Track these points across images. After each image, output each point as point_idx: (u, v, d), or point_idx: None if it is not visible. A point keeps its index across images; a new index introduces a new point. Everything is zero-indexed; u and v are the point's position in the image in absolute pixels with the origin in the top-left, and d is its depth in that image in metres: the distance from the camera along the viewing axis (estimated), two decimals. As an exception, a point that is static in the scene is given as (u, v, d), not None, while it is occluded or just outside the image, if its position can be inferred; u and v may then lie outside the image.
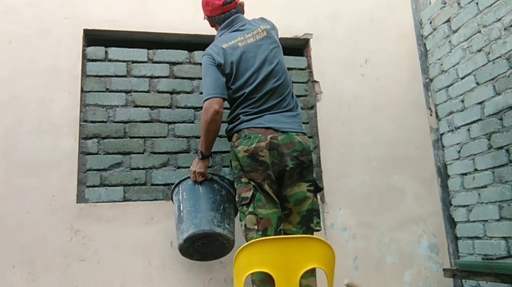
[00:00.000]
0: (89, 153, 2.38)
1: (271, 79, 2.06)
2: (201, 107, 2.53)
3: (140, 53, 2.55)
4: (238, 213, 2.05)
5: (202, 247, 2.09)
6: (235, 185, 2.06)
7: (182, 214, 2.09)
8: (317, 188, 2.08)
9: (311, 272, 1.88)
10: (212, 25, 2.26)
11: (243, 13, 2.26)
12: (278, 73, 2.09)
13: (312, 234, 1.97)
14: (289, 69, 2.46)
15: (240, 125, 2.03)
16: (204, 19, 2.27)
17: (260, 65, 2.06)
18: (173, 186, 2.23)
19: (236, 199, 2.02)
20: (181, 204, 2.12)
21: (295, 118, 2.09)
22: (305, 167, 2.01)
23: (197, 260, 2.20)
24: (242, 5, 2.25)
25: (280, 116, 2.04)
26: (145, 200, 2.38)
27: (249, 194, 1.94)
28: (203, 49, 2.59)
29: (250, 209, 1.93)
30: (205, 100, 2.02)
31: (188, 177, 2.15)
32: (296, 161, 1.98)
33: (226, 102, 2.11)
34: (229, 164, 2.15)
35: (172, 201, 2.23)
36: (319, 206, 2.08)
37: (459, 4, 2.59)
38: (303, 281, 1.81)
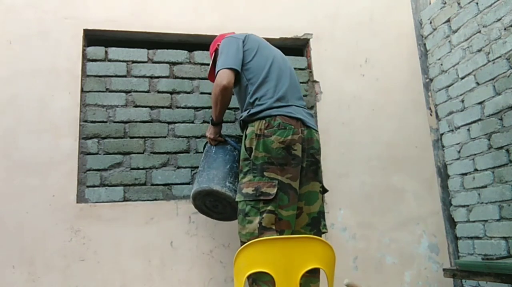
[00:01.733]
0: (89, 153, 2.38)
1: (289, 73, 2.08)
2: (201, 107, 2.56)
3: (140, 53, 2.55)
4: (246, 206, 1.85)
5: (214, 206, 2.15)
6: (248, 176, 1.88)
7: (196, 175, 2.19)
8: (325, 190, 2.07)
9: (317, 276, 1.86)
10: None
11: None
12: (293, 72, 2.14)
13: (320, 236, 1.94)
14: (289, 69, 2.47)
15: (270, 110, 1.91)
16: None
17: (279, 57, 2.10)
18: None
19: (250, 191, 1.84)
20: (200, 165, 2.20)
21: (312, 116, 2.10)
22: (319, 167, 2.01)
23: (218, 219, 2.25)
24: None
25: (303, 111, 2.02)
26: (145, 200, 2.38)
27: (273, 191, 1.81)
28: (203, 49, 2.61)
29: (270, 208, 1.80)
30: (219, 70, 1.97)
31: None
32: (312, 159, 1.96)
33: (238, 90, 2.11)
34: (242, 149, 1.95)
35: None
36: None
37: (459, 4, 2.59)
38: (311, 285, 1.81)
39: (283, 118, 1.89)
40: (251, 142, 1.90)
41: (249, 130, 1.93)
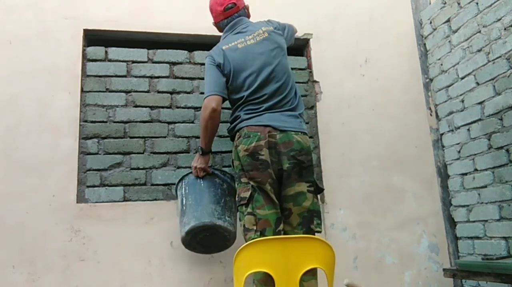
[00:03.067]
0: (89, 153, 2.38)
1: (271, 80, 2.07)
2: (201, 107, 2.55)
3: (140, 53, 2.55)
4: (239, 213, 2.05)
5: (205, 240, 2.11)
6: (236, 185, 2.07)
7: (184, 208, 2.12)
8: (318, 189, 2.07)
9: (313, 274, 1.87)
10: (220, 30, 2.30)
11: (248, 16, 2.29)
12: (279, 74, 2.09)
13: (313, 235, 1.96)
14: (289, 69, 2.46)
15: (240, 123, 2.05)
16: (213, 25, 2.31)
17: (260, 67, 2.08)
18: (177, 181, 2.25)
19: (236, 199, 2.04)
20: (183, 198, 2.15)
21: (296, 117, 2.09)
22: (304, 167, 2.00)
23: (200, 253, 2.22)
24: (246, 8, 2.29)
25: (280, 115, 2.04)
26: (145, 200, 2.38)
27: (247, 194, 1.95)
28: (203, 49, 2.62)
29: (249, 210, 1.93)
30: (204, 98, 2.06)
31: (191, 172, 2.19)
32: (294, 161, 1.98)
33: (228, 102, 2.15)
34: (230, 163, 2.16)
35: (176, 195, 2.25)
36: (320, 207, 2.07)
37: (459, 4, 2.59)
38: (304, 284, 1.81)
39: (249, 128, 2.01)
40: (232, 154, 2.09)
41: (232, 144, 2.11)
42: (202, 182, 2.15)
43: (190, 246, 2.14)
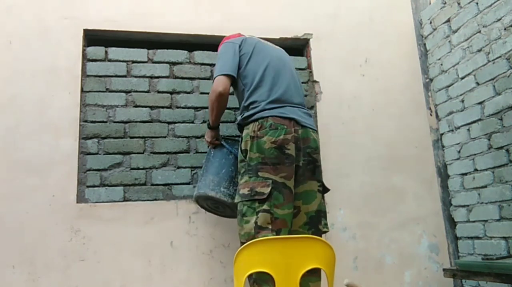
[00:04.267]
0: (89, 153, 2.38)
1: (287, 74, 2.10)
2: (201, 107, 2.56)
3: (140, 53, 2.55)
4: (243, 207, 1.89)
5: (215, 207, 2.23)
6: (245, 178, 1.92)
7: (199, 177, 2.28)
8: (325, 189, 2.07)
9: (318, 275, 1.86)
10: None
11: None
12: (293, 72, 2.16)
13: (320, 235, 1.93)
14: (289, 69, 2.47)
15: (262, 112, 1.95)
16: None
17: (276, 59, 2.11)
18: None
19: (246, 192, 1.88)
20: (202, 166, 2.27)
21: (310, 115, 2.11)
22: (317, 166, 2.00)
23: (223, 216, 2.31)
24: None
25: (299, 110, 2.03)
26: (145, 200, 2.38)
27: (266, 190, 1.83)
28: (203, 49, 2.62)
29: (265, 207, 1.82)
30: (215, 77, 2.04)
31: None
32: (309, 158, 1.97)
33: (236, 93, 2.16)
34: (239, 153, 2.00)
35: None
36: (326, 207, 2.07)
37: (459, 4, 2.59)
38: (311, 285, 1.81)
39: (274, 118, 1.93)
40: (246, 144, 1.95)
41: (244, 133, 1.99)
42: (212, 152, 2.22)
43: (208, 210, 2.29)
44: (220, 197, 2.09)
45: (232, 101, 2.26)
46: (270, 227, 1.81)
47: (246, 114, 2.00)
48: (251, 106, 2.00)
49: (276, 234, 1.79)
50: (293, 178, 1.90)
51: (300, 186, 1.96)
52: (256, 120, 1.95)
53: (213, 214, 2.32)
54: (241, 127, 2.06)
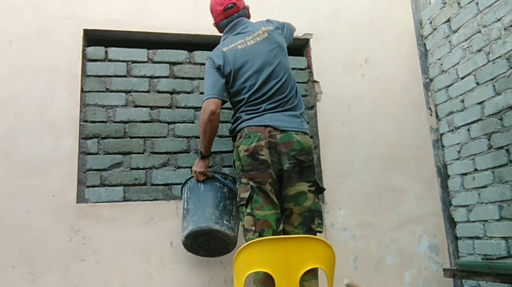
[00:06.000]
0: (89, 153, 2.38)
1: (271, 80, 2.07)
2: (201, 107, 2.56)
3: (140, 53, 2.55)
4: (240, 213, 2.05)
5: (206, 244, 2.12)
6: (237, 185, 2.07)
7: (185, 212, 2.15)
8: (319, 189, 2.07)
9: (314, 274, 1.87)
10: (220, 31, 2.30)
11: (248, 17, 2.30)
12: (279, 74, 2.09)
13: (314, 235, 1.96)
14: (289, 69, 2.46)
15: (241, 124, 2.05)
16: (213, 25, 2.31)
17: (260, 68, 2.08)
18: (182, 184, 2.28)
19: (237, 199, 2.04)
20: (185, 202, 2.18)
21: (297, 117, 2.09)
22: (305, 167, 2.00)
23: (204, 256, 2.23)
24: (246, 8, 2.29)
25: (281, 115, 2.04)
26: (145, 200, 2.38)
27: (246, 195, 1.95)
28: (203, 49, 2.62)
29: (248, 210, 1.94)
30: (203, 101, 2.08)
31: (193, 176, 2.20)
32: (294, 161, 1.98)
33: (228, 103, 2.17)
34: (232, 164, 2.17)
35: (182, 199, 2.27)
36: (321, 207, 2.07)
37: (459, 4, 2.59)
38: (305, 284, 1.81)
39: (250, 128, 2.01)
40: (233, 155, 2.08)
41: (233, 145, 2.11)
42: (202, 186, 2.16)
43: (192, 250, 2.16)
44: (224, 230, 2.06)
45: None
46: (253, 228, 1.90)
47: (232, 127, 2.14)
48: (236, 120, 2.10)
49: (259, 235, 1.87)
50: (270, 182, 1.95)
51: (289, 188, 2.00)
52: (238, 132, 2.06)
53: (194, 254, 2.20)
54: (232, 140, 2.17)
